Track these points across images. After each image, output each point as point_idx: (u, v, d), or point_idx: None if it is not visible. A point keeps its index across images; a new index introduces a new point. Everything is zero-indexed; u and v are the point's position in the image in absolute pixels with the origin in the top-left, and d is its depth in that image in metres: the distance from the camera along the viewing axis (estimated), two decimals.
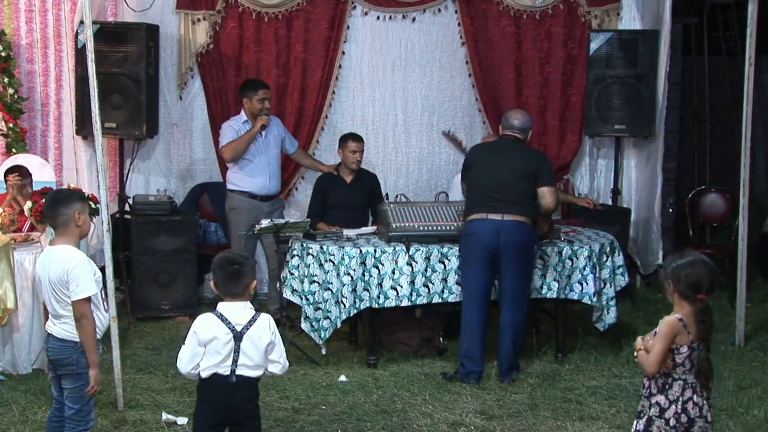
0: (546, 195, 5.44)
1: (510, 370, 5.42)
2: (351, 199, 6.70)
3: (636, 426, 3.46)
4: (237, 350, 3.56)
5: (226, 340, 3.55)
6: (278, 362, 3.68)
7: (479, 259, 5.36)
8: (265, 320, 3.63)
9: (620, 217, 7.34)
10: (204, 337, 3.56)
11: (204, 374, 3.58)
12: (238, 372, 3.57)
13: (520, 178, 5.40)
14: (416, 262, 5.59)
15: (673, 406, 3.34)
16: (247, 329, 3.57)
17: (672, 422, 3.34)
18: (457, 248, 5.54)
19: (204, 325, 3.58)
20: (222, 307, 3.62)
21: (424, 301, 5.64)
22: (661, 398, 3.37)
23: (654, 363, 3.34)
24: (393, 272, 5.57)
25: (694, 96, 9.69)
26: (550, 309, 6.26)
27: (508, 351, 5.42)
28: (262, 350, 3.61)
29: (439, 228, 5.70)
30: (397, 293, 5.58)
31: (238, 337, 3.56)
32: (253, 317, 3.61)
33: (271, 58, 7.35)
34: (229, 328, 3.56)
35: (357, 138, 6.77)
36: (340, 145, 6.81)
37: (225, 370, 3.56)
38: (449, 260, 5.60)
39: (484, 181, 5.41)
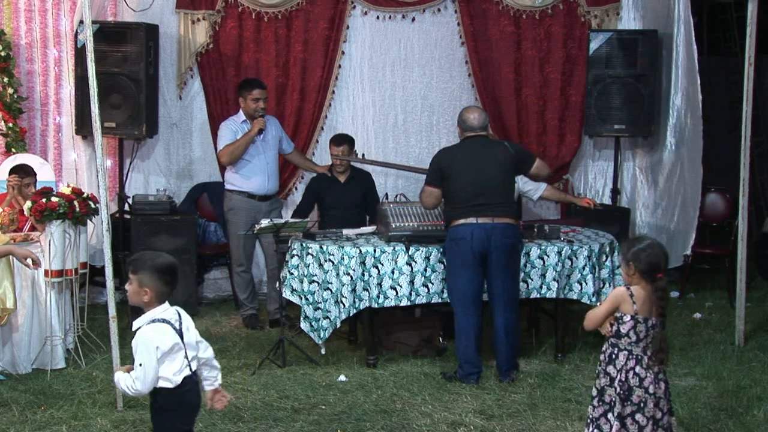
0: (541, 168, 5.63)
1: (509, 370, 5.42)
2: (346, 199, 6.69)
3: (592, 402, 3.72)
4: (184, 347, 3.48)
5: (179, 343, 3.45)
6: (204, 341, 3.60)
7: (470, 263, 5.35)
8: (183, 312, 3.60)
9: (620, 217, 7.34)
10: (165, 347, 3.41)
11: (177, 381, 3.43)
12: (193, 368, 3.51)
13: (505, 174, 5.43)
14: (416, 262, 5.59)
15: (619, 375, 3.60)
16: (182, 323, 3.52)
17: (617, 389, 3.59)
18: None
19: (161, 336, 3.42)
20: (159, 312, 3.49)
21: (424, 300, 5.64)
22: (610, 368, 3.64)
23: (593, 318, 3.70)
24: (392, 272, 5.57)
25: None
26: (549, 309, 6.25)
27: (505, 353, 5.42)
28: (195, 338, 3.55)
29: (438, 228, 5.69)
30: (397, 293, 5.58)
31: (180, 334, 3.48)
32: (177, 311, 3.55)
33: (270, 58, 7.35)
34: (175, 329, 3.47)
35: (338, 141, 6.71)
36: (329, 147, 6.81)
37: (188, 371, 3.47)
38: None
39: (469, 187, 5.36)
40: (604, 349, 3.70)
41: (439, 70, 7.63)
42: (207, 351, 3.61)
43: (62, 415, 4.70)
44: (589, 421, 3.70)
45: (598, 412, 3.65)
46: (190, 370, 3.47)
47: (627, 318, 3.60)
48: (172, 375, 3.42)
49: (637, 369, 3.58)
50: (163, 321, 3.45)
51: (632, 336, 3.60)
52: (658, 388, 3.59)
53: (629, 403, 3.57)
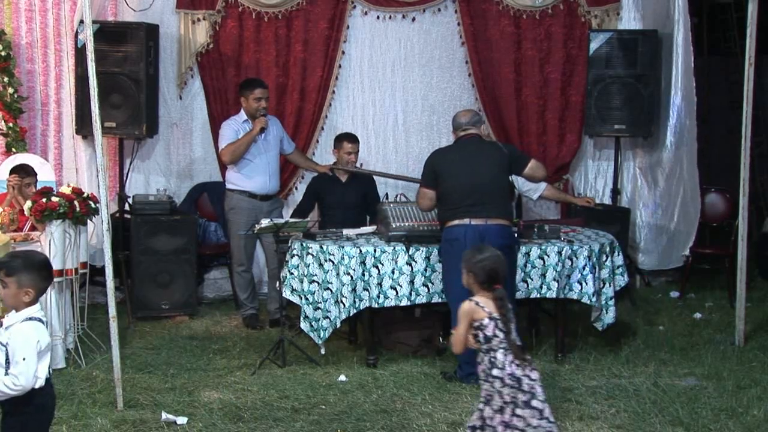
0: (536, 169, 5.53)
1: None
2: (347, 199, 6.70)
3: (486, 410, 3.74)
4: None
5: (50, 344, 3.45)
6: None
7: None
8: None
9: (620, 217, 7.35)
10: (44, 344, 3.39)
11: (42, 383, 3.40)
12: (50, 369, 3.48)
13: (498, 173, 5.41)
14: (416, 262, 5.59)
15: (505, 371, 3.70)
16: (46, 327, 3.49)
17: (509, 385, 3.69)
18: None
19: (41, 332, 3.40)
20: (34, 311, 3.44)
21: (424, 300, 5.64)
22: (495, 371, 3.72)
23: (457, 342, 3.80)
24: (392, 272, 5.56)
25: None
26: (549, 309, 6.25)
27: None
28: None
29: (438, 228, 5.68)
30: (397, 293, 5.58)
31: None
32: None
33: (270, 58, 7.36)
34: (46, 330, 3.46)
35: (352, 139, 6.77)
36: (335, 146, 6.82)
37: (47, 374, 3.44)
38: None
39: (462, 187, 5.34)
40: (479, 360, 3.78)
41: (439, 70, 7.63)
42: None
43: (62, 415, 4.70)
44: (498, 425, 3.70)
45: (507, 414, 3.70)
46: (50, 372, 3.46)
47: (486, 321, 3.73)
48: (43, 374, 3.40)
49: (517, 360, 3.73)
50: (39, 320, 3.42)
51: (500, 334, 3.73)
52: (539, 376, 3.76)
53: (522, 392, 3.70)
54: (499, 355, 3.72)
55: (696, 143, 7.31)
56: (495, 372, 3.71)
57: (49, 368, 3.44)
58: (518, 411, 3.69)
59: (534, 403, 3.69)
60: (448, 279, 5.47)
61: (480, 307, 3.75)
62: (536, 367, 3.77)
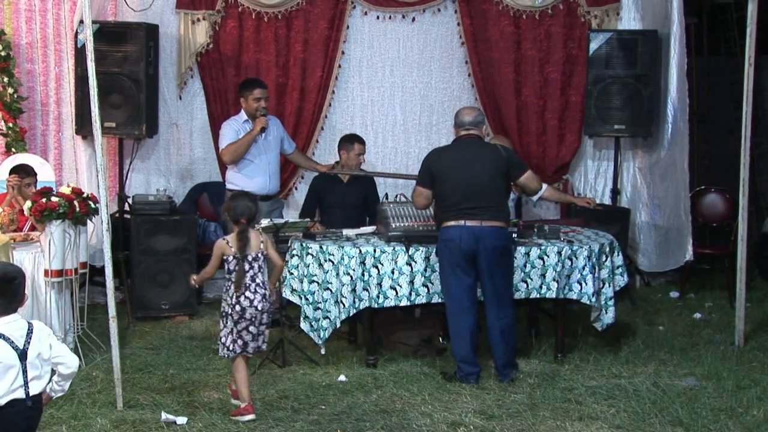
0: (531, 179, 5.59)
1: (508, 369, 5.41)
2: (348, 199, 6.71)
3: (220, 326, 4.85)
4: (24, 369, 3.28)
5: (13, 362, 3.26)
6: (64, 362, 3.44)
7: (461, 264, 5.33)
8: (40, 327, 3.41)
9: (620, 217, 7.34)
10: None
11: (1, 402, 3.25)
12: (31, 392, 3.31)
13: (495, 177, 5.39)
14: (415, 262, 5.59)
15: (233, 300, 4.74)
16: (29, 343, 3.32)
17: (233, 314, 4.73)
18: None
19: None
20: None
21: (424, 300, 5.64)
22: (227, 297, 4.78)
23: (209, 270, 4.88)
24: (392, 272, 5.56)
25: (693, 96, 9.67)
26: (549, 309, 6.25)
27: (503, 353, 5.40)
28: (47, 359, 3.38)
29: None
30: (397, 293, 5.58)
31: (23, 355, 3.29)
32: (29, 328, 3.35)
33: (270, 58, 7.36)
34: (13, 347, 3.27)
35: (361, 140, 6.80)
36: (343, 147, 6.81)
37: (20, 394, 3.27)
38: None
39: (459, 189, 5.33)
40: (226, 285, 4.80)
41: (439, 70, 7.64)
42: (63, 368, 3.46)
43: (62, 415, 4.70)
44: (220, 343, 4.80)
45: (224, 333, 4.77)
46: (26, 392, 3.30)
47: (230, 259, 4.77)
48: (1, 394, 3.25)
49: (247, 293, 4.72)
50: (0, 336, 3.27)
51: (238, 269, 4.72)
52: (266, 306, 4.76)
53: (244, 319, 4.72)
54: (233, 287, 4.73)
55: (687, 144, 7.30)
56: (226, 297, 4.75)
57: (24, 387, 3.29)
58: (231, 335, 4.71)
59: (251, 329, 4.74)
60: (444, 279, 5.47)
61: (228, 245, 4.76)
62: (266, 297, 4.76)
